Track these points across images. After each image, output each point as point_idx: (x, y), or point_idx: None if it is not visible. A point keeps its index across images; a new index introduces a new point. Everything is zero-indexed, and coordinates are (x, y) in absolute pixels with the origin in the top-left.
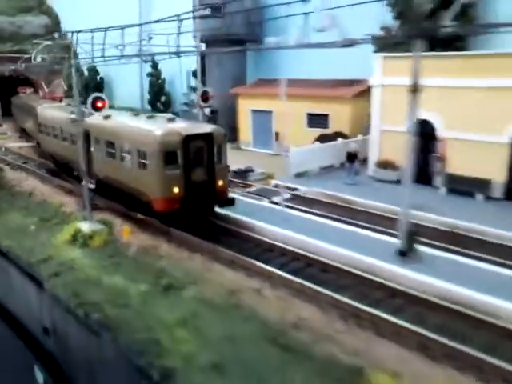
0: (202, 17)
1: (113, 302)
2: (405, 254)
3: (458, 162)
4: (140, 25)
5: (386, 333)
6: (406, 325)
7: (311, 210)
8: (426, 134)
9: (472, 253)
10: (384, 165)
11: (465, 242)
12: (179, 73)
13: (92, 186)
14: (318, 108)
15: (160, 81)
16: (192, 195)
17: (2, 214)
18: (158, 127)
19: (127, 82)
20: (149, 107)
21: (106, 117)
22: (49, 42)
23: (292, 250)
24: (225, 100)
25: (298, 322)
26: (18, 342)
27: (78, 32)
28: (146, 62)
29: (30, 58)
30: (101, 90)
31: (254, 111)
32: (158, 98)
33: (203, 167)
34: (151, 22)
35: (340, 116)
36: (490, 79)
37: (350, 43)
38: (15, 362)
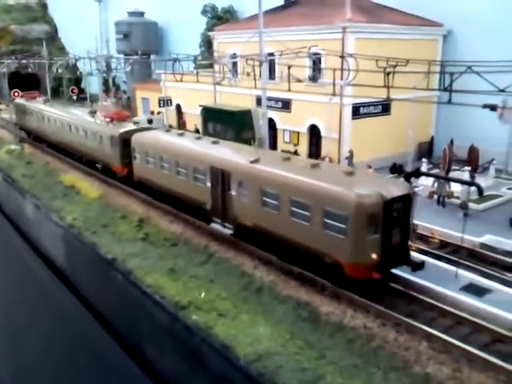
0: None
1: (10, 167)
2: None
3: None
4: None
5: None
6: None
7: None
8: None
9: None
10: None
11: None
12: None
13: (229, 231)
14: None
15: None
16: (388, 260)
17: None
18: (353, 187)
19: (94, 78)
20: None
21: (254, 161)
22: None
23: None
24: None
25: None
26: None
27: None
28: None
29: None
30: (79, 84)
31: (142, 98)
32: (108, 88)
33: (399, 230)
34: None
35: None
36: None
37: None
38: None
